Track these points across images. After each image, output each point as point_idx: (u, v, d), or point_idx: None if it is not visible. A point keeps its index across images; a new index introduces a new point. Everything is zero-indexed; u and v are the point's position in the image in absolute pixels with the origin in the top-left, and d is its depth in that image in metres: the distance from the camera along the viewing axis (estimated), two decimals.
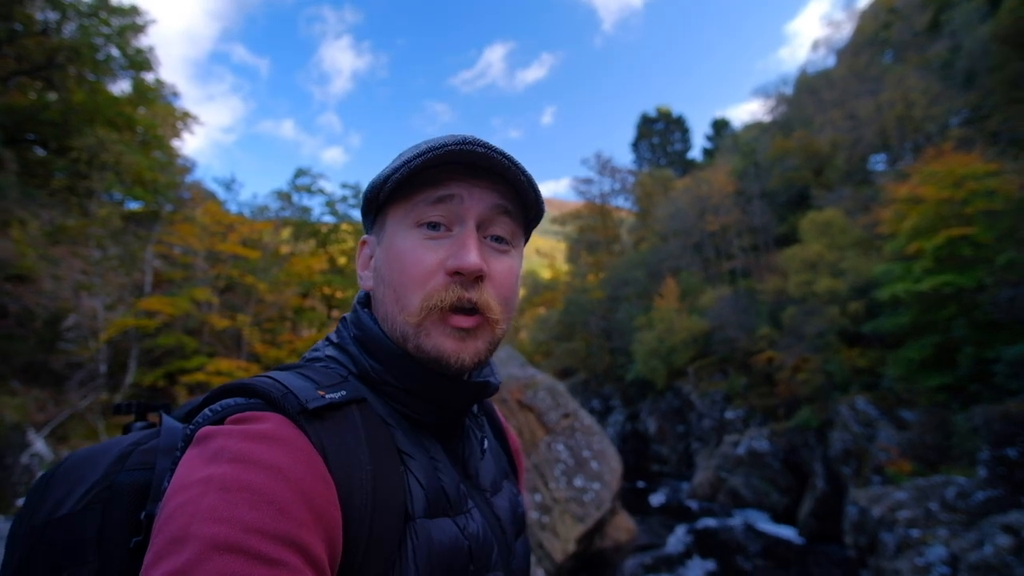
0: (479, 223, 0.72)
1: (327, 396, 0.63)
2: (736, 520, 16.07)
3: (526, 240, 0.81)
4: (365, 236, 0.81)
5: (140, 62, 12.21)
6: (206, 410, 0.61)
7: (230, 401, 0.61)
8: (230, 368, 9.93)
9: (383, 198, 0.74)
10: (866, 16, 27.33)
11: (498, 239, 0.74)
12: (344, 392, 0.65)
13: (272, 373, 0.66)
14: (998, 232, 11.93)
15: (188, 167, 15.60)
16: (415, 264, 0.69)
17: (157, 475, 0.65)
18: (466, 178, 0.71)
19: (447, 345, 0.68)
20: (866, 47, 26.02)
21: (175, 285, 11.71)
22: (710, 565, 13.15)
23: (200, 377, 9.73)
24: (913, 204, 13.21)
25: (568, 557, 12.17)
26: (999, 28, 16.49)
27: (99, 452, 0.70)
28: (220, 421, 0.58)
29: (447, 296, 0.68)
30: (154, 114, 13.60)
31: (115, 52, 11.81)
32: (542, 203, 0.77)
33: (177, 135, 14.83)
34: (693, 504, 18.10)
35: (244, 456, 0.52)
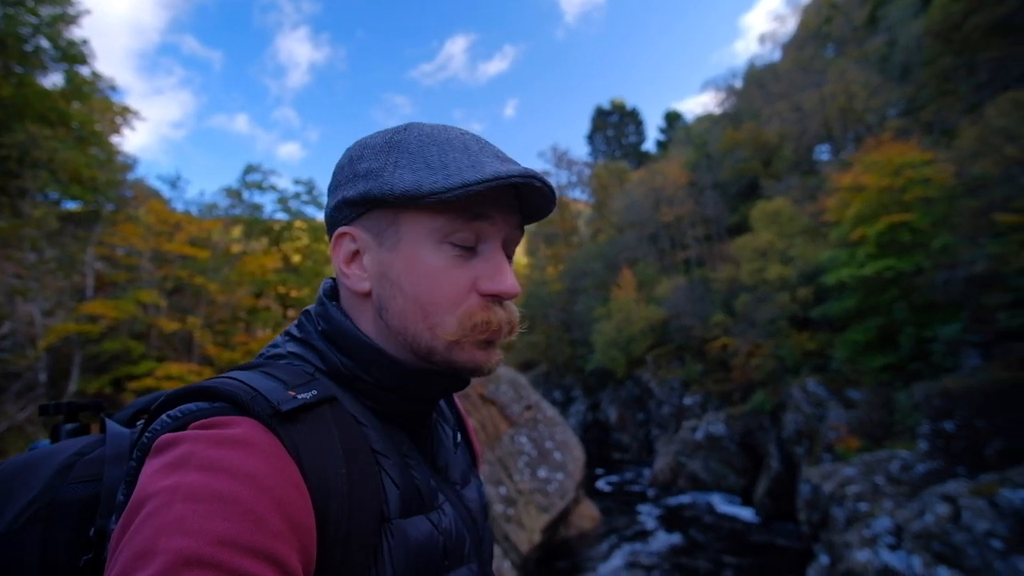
0: (503, 243, 0.72)
1: (299, 396, 0.59)
2: (695, 503, 16.51)
3: None
4: (347, 228, 0.70)
5: (73, 55, 11.60)
6: (164, 416, 0.57)
7: (191, 406, 0.57)
8: (181, 372, 9.58)
9: (404, 203, 0.67)
10: (809, 11, 28.22)
11: (509, 253, 0.76)
12: (315, 391, 0.61)
13: (234, 374, 0.62)
14: (933, 218, 12.55)
15: (129, 164, 14.91)
16: (451, 285, 0.67)
17: (107, 487, 0.61)
18: (500, 201, 0.69)
19: (480, 358, 0.69)
20: (810, 41, 26.90)
21: (119, 288, 11.20)
22: (671, 547, 13.47)
23: (150, 383, 9.36)
24: (856, 192, 13.76)
25: (534, 547, 12.28)
26: (931, 23, 17.29)
27: (33, 463, 0.65)
28: (182, 428, 0.54)
29: (492, 318, 0.68)
30: (90, 109, 12.92)
31: (45, 44, 11.18)
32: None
33: (116, 131, 14.15)
34: (654, 490, 18.50)
35: (215, 463, 0.49)
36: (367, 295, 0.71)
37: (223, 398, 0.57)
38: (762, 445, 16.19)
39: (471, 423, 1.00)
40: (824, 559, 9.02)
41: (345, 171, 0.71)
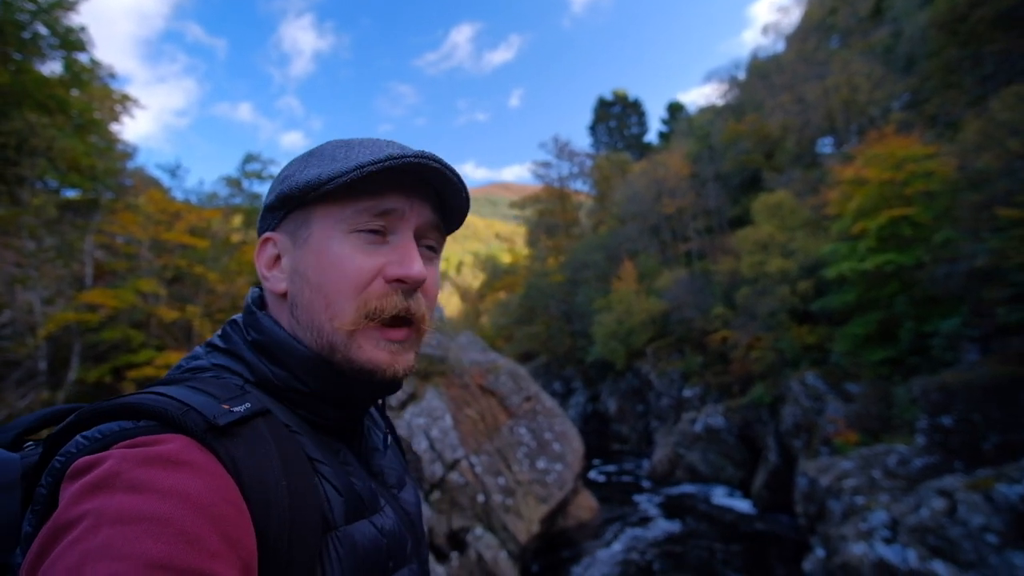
0: (415, 234, 0.72)
1: (234, 410, 0.57)
2: (693, 494, 16.59)
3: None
4: (269, 234, 0.73)
5: (72, 41, 11.52)
6: (79, 438, 0.52)
7: (112, 426, 0.52)
8: (151, 358, 9.65)
9: (311, 198, 0.69)
10: (813, 2, 27.99)
11: (429, 247, 0.76)
12: (248, 404, 0.59)
13: (159, 388, 0.58)
14: (935, 212, 12.51)
15: (129, 152, 14.86)
16: (354, 270, 0.66)
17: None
18: (407, 190, 0.70)
19: (381, 358, 0.68)
20: (813, 32, 26.70)
21: (119, 276, 11.19)
22: (668, 537, 13.55)
23: (149, 371, 9.37)
24: (858, 185, 13.71)
25: (532, 537, 12.37)
26: (936, 15, 17.14)
27: None
28: (103, 449, 0.50)
29: (386, 304, 0.67)
30: (90, 97, 12.86)
31: (43, 30, 11.11)
32: (462, 222, 0.79)
33: (116, 119, 14.08)
34: (652, 481, 18.59)
35: (144, 483, 0.45)
36: (284, 295, 0.71)
37: (149, 415, 0.53)
38: (760, 438, 16.24)
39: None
40: (820, 552, 9.08)
41: (271, 185, 0.75)
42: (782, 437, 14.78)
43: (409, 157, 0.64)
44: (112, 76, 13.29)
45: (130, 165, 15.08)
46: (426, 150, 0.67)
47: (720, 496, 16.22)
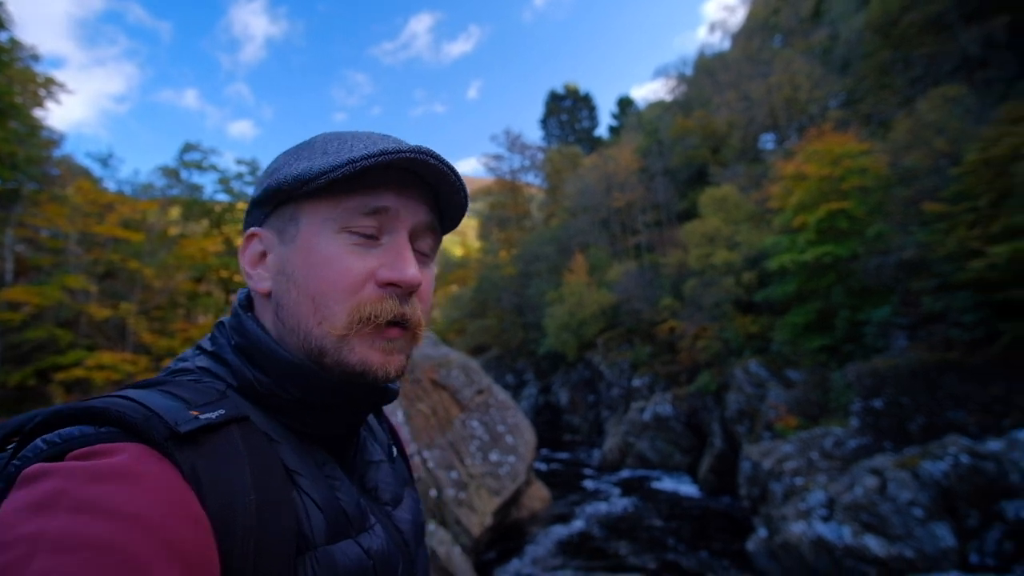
0: (409, 235, 0.68)
1: (202, 417, 0.53)
2: (643, 481, 16.98)
3: None
4: (255, 229, 0.68)
5: None
6: (38, 441, 0.48)
7: (73, 430, 0.49)
8: (114, 361, 9.04)
9: (300, 193, 0.65)
10: (758, 1, 28.84)
11: (422, 252, 0.72)
12: (223, 411, 0.55)
13: (129, 392, 0.54)
14: (869, 206, 13.14)
15: (56, 140, 13.93)
16: (344, 272, 0.63)
17: None
18: (401, 188, 0.66)
19: (374, 358, 0.64)
20: (758, 31, 27.55)
21: (43, 272, 10.47)
22: (619, 523, 13.83)
23: (79, 373, 8.81)
24: (798, 180, 14.25)
25: (486, 530, 12.40)
26: (870, 18, 17.96)
27: None
28: (59, 457, 0.46)
29: (381, 310, 0.64)
30: (9, 79, 12.01)
31: None
32: (460, 222, 0.76)
33: (40, 103, 13.18)
34: (603, 470, 18.91)
35: (88, 503, 0.41)
36: (268, 295, 0.67)
37: (111, 421, 0.49)
38: (706, 424, 16.74)
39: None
40: (762, 532, 9.43)
41: (259, 179, 0.71)
42: (727, 423, 15.28)
43: (404, 152, 0.61)
44: (35, 58, 12.46)
45: (57, 153, 14.14)
46: (423, 145, 0.64)
47: (668, 482, 16.65)
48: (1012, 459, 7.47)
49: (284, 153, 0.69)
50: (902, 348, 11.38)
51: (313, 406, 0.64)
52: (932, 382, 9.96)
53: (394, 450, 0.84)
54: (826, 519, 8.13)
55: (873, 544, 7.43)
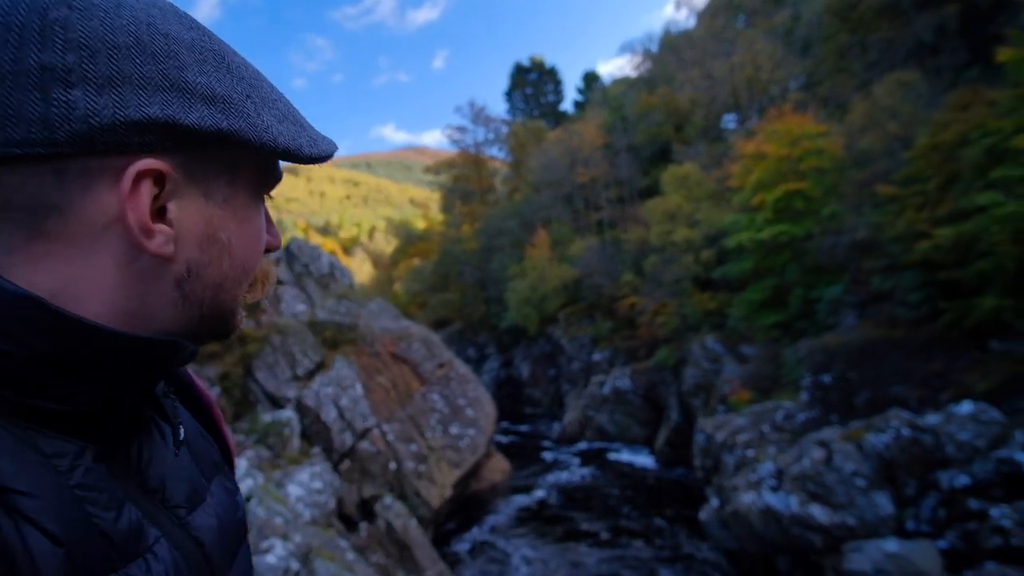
0: None
1: None
2: (601, 453, 17.34)
3: None
4: (154, 162, 0.44)
5: None
6: None
7: None
8: None
9: (260, 155, 0.52)
10: None
11: None
12: None
13: None
14: (825, 187, 13.48)
15: None
16: (262, 244, 0.58)
17: None
18: None
19: (241, 320, 0.59)
20: (722, 10, 27.67)
21: None
22: (577, 493, 14.13)
23: None
24: (757, 160, 14.49)
25: (445, 502, 12.49)
26: (829, 2, 18.20)
27: None
28: None
29: (271, 273, 0.61)
30: None
31: None
32: None
33: None
34: (563, 442, 19.23)
35: None
36: (168, 260, 0.48)
37: None
38: (664, 398, 17.14)
39: (219, 410, 0.72)
40: (715, 502, 9.77)
41: (141, 64, 0.43)
42: (683, 397, 15.67)
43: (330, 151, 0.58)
44: None
45: None
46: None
47: (626, 453, 17.05)
48: (948, 432, 7.89)
49: (195, 53, 0.47)
50: (851, 325, 11.82)
51: (77, 372, 0.43)
52: (878, 358, 10.39)
53: (182, 432, 0.60)
54: (775, 489, 8.46)
55: (818, 512, 7.77)
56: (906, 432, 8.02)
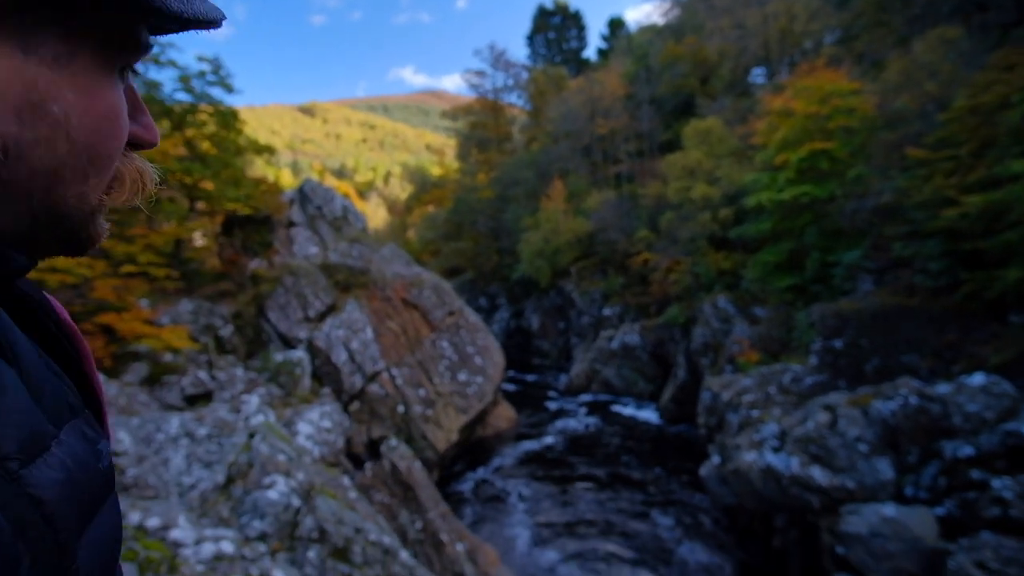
0: None
1: None
2: (606, 406, 17.57)
3: None
4: None
5: None
6: None
7: None
8: (68, 264, 8.64)
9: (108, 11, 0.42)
10: None
11: None
12: None
13: None
14: (852, 148, 13.04)
15: None
16: (123, 132, 0.46)
17: None
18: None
19: (103, 229, 0.48)
20: None
21: None
22: (580, 443, 14.39)
23: (31, 275, 8.45)
24: (784, 117, 14.01)
25: (451, 446, 12.79)
26: None
27: None
28: None
29: (146, 174, 0.50)
30: None
31: None
32: None
33: None
34: (569, 394, 19.48)
35: None
36: None
37: None
38: (671, 355, 17.20)
39: (85, 344, 0.57)
40: (716, 459, 9.89)
41: None
42: (691, 355, 15.70)
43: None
44: None
45: None
46: None
47: (631, 407, 17.27)
48: (957, 402, 7.84)
49: None
50: (867, 292, 11.65)
51: None
52: (892, 326, 10.27)
53: (48, 363, 0.48)
54: (777, 450, 8.53)
55: (818, 474, 7.84)
56: (914, 400, 7.99)
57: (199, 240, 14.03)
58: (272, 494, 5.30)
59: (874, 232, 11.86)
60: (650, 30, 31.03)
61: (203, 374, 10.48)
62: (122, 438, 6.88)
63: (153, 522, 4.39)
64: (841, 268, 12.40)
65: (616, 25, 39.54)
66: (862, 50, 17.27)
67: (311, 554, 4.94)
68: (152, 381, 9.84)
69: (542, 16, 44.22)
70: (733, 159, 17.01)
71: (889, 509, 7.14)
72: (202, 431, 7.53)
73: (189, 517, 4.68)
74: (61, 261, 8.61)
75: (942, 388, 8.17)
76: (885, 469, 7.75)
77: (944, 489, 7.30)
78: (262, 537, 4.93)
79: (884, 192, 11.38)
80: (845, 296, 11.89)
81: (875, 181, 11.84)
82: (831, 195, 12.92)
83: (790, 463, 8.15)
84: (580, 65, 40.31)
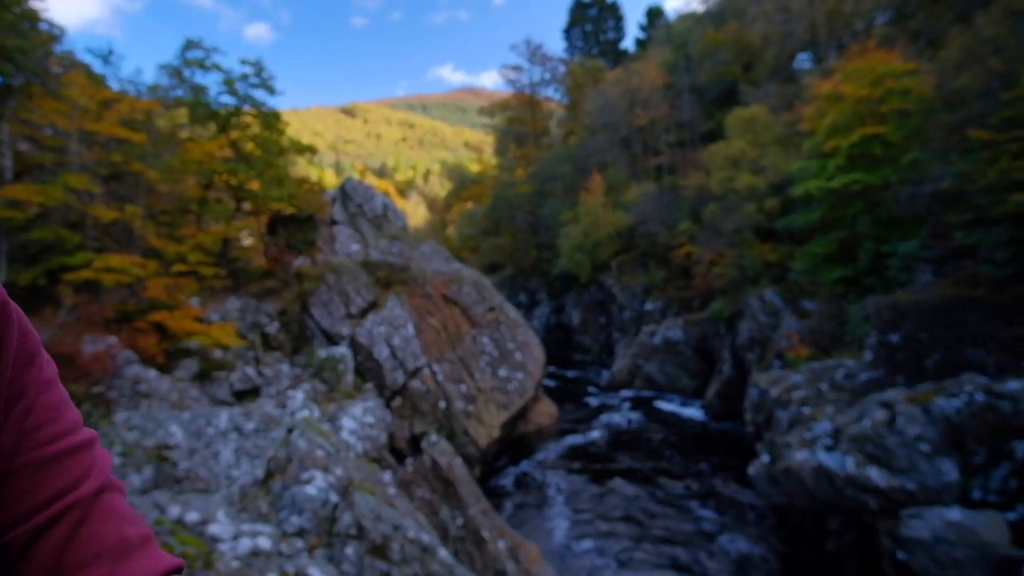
0: None
1: None
2: (649, 402, 17.28)
3: None
4: None
5: None
6: None
7: None
8: (123, 264, 8.95)
9: None
10: None
11: None
12: None
13: None
14: (907, 131, 12.39)
15: (56, 35, 13.24)
16: None
17: None
18: None
19: None
20: None
21: (46, 171, 10.16)
22: (622, 440, 14.18)
23: (87, 274, 8.74)
24: (833, 101, 13.41)
25: (493, 442, 12.78)
26: None
27: None
28: None
29: None
30: None
31: None
32: None
33: None
34: (611, 390, 19.25)
35: None
36: None
37: None
38: (716, 351, 16.78)
39: (30, 328, 0.48)
40: (765, 457, 9.56)
41: None
42: (737, 350, 15.28)
43: None
44: None
45: (58, 50, 13.43)
46: None
47: (674, 403, 16.95)
48: None
49: None
50: (926, 283, 11.05)
51: None
52: (954, 319, 9.71)
53: None
54: (830, 449, 8.17)
55: (875, 475, 7.48)
56: (980, 397, 7.52)
57: (246, 239, 14.38)
58: (310, 489, 5.34)
59: (933, 220, 11.23)
60: (690, 18, 30.28)
61: (250, 370, 10.73)
62: (174, 432, 7.08)
63: (192, 516, 4.46)
64: (897, 258, 11.80)
65: (655, 14, 38.75)
66: (917, 28, 16.38)
67: (349, 551, 4.96)
68: (202, 377, 10.13)
69: (579, 8, 43.70)
70: (779, 147, 16.42)
71: (954, 513, 6.75)
72: (250, 425, 7.69)
73: (228, 512, 4.75)
74: (116, 261, 8.92)
75: (1012, 384, 7.66)
76: (949, 470, 7.33)
77: (1016, 492, 6.85)
78: (300, 533, 4.97)
79: (943, 177, 10.76)
80: (902, 288, 11.32)
81: (933, 166, 11.21)
82: (885, 182, 12.31)
83: (845, 463, 7.80)
84: (618, 56, 39.69)
